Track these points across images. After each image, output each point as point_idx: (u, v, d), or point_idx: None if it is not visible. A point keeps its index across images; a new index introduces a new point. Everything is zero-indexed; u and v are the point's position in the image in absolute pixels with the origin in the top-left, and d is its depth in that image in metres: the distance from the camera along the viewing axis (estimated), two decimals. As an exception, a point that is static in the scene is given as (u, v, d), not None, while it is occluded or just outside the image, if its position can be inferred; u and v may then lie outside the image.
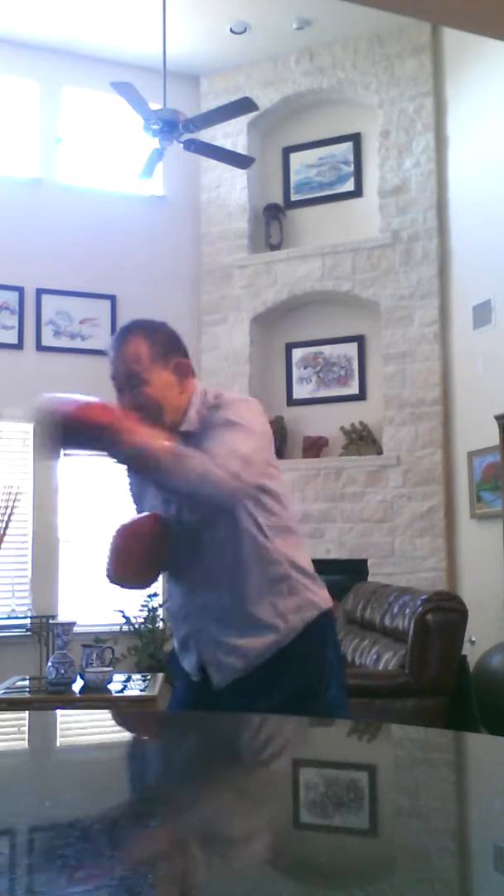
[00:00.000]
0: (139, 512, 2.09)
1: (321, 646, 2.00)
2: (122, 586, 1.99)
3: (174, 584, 2.05)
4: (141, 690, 4.00)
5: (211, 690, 1.96)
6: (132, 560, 1.94)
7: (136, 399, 1.89)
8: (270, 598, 1.93)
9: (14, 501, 6.17)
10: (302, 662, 1.95)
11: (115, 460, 1.76)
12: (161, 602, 6.34)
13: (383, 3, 4.19)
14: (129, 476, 2.10)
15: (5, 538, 6.12)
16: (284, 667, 1.93)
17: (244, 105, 5.33)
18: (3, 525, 6.08)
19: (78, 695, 3.86)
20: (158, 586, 6.30)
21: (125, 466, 1.84)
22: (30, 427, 5.90)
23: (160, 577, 2.09)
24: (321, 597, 2.02)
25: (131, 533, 1.94)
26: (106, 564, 1.93)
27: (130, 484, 2.14)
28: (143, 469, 1.81)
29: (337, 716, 1.93)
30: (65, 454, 1.73)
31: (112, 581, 1.93)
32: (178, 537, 1.95)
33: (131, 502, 2.16)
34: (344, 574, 6.03)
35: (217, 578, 1.94)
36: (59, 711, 2.95)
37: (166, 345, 1.94)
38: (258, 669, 1.93)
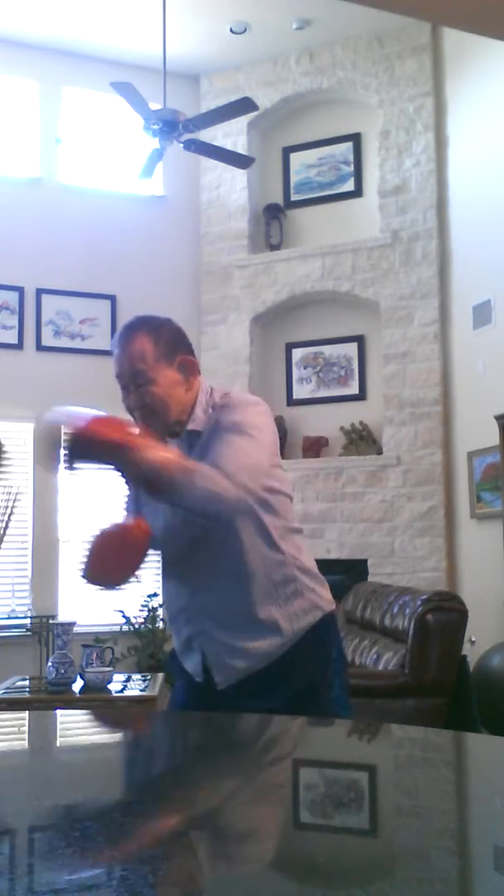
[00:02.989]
0: (136, 514, 2.07)
1: (324, 646, 1.99)
2: (95, 585, 1.98)
3: (175, 584, 2.04)
4: (141, 690, 4.00)
5: (213, 690, 1.95)
6: (111, 565, 1.93)
7: (142, 397, 1.88)
8: (276, 600, 1.91)
9: (14, 501, 6.17)
10: (305, 663, 1.94)
11: (126, 477, 1.75)
12: (161, 602, 6.34)
13: (383, 3, 4.19)
14: (128, 483, 2.09)
15: (5, 538, 6.12)
16: (288, 667, 1.92)
17: (244, 105, 5.33)
18: (3, 525, 6.08)
19: (78, 695, 3.86)
20: (158, 586, 6.34)
21: (135, 483, 1.82)
22: (30, 429, 5.92)
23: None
24: (326, 599, 2.01)
25: (116, 540, 1.91)
26: (83, 564, 1.91)
27: (128, 489, 2.13)
28: (153, 486, 1.79)
29: (340, 716, 1.93)
30: (74, 469, 1.71)
31: (86, 579, 1.92)
32: (180, 538, 1.95)
33: (128, 504, 2.13)
34: (344, 574, 6.03)
35: (222, 581, 1.92)
36: (59, 711, 2.95)
37: (171, 342, 1.92)
38: (261, 670, 1.92)
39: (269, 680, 1.92)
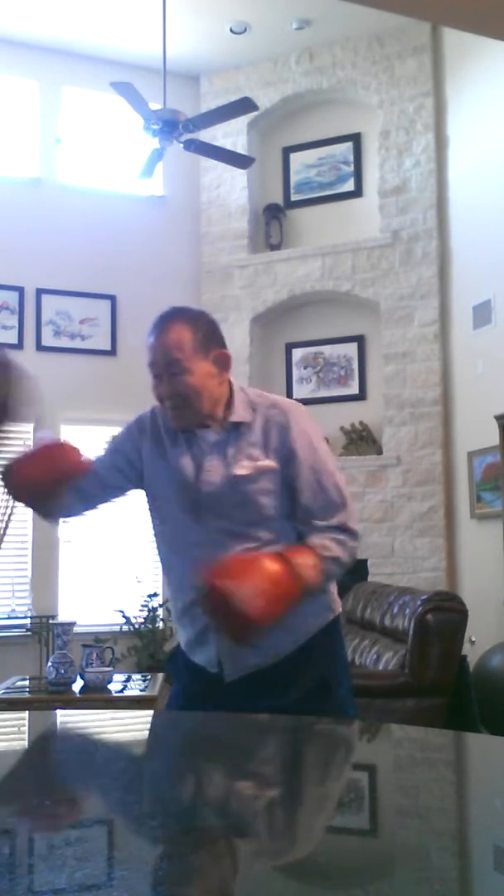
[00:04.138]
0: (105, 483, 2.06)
1: (334, 645, 2.00)
2: (12, 492, 1.98)
3: (191, 575, 1.98)
4: (141, 690, 4.00)
5: (223, 689, 1.92)
6: (34, 471, 1.94)
7: (175, 387, 1.86)
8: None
9: (14, 502, 6.16)
10: (317, 661, 1.94)
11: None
12: (161, 602, 6.34)
13: (383, 3, 4.19)
14: (150, 503, 2.04)
15: (5, 538, 6.12)
16: (300, 666, 1.91)
17: (244, 105, 5.33)
18: (3, 525, 6.08)
19: (78, 695, 3.86)
20: (158, 586, 6.35)
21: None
22: (30, 429, 5.89)
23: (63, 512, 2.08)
24: (336, 601, 2.02)
25: (50, 453, 1.96)
26: (14, 462, 1.93)
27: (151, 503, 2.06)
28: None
29: (348, 714, 1.93)
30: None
31: (3, 477, 1.92)
32: (207, 530, 1.91)
33: (155, 522, 2.06)
34: (344, 574, 6.02)
35: None
36: (59, 711, 2.95)
37: (208, 334, 1.91)
38: (273, 668, 1.90)
39: (280, 678, 1.90)
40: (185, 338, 1.86)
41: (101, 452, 2.06)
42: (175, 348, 1.86)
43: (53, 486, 1.96)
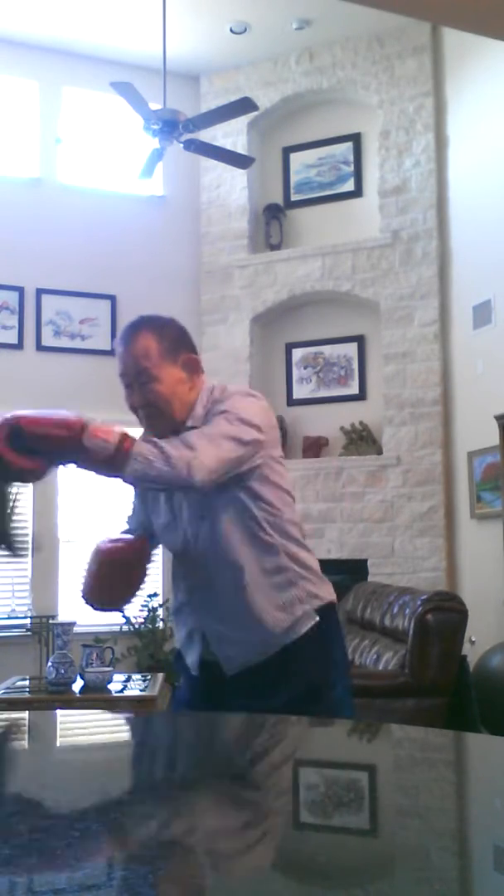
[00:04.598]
0: (144, 524, 2.06)
1: (326, 648, 1.99)
2: (97, 609, 1.98)
3: (180, 578, 2.03)
4: (141, 690, 4.00)
5: (216, 690, 1.95)
6: (114, 586, 1.94)
7: (146, 396, 1.88)
8: (269, 590, 1.91)
9: (14, 502, 6.16)
10: (307, 663, 1.94)
11: (84, 468, 1.69)
12: (161, 602, 6.34)
13: (383, 3, 4.19)
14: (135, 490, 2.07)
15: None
16: (290, 667, 1.92)
17: (244, 105, 5.33)
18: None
19: (78, 695, 3.86)
20: (158, 586, 6.35)
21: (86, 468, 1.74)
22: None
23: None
24: (325, 590, 2.00)
25: (116, 560, 1.93)
26: (84, 586, 1.92)
27: (135, 498, 2.11)
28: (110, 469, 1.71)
29: (342, 716, 1.93)
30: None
31: (88, 603, 1.92)
32: (179, 533, 1.95)
33: (134, 514, 2.11)
34: (344, 574, 6.03)
35: (216, 573, 1.93)
36: (59, 711, 2.95)
37: (175, 340, 1.93)
38: (264, 669, 1.91)
39: (270, 680, 1.91)
40: (152, 346, 1.88)
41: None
42: (142, 357, 1.88)
43: (139, 581, 2.00)
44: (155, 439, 1.75)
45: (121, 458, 1.66)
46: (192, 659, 2.01)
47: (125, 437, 1.68)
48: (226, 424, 1.81)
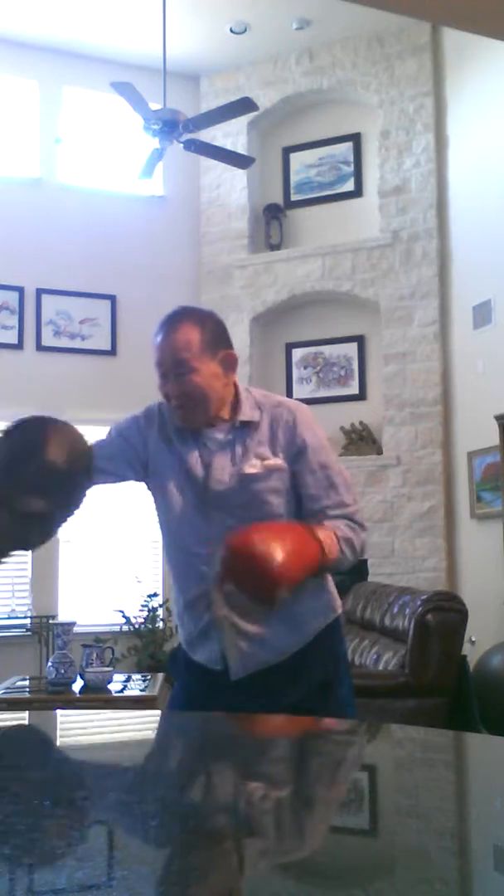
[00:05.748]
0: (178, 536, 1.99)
1: (335, 644, 2.00)
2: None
3: (196, 569, 1.93)
4: (141, 690, 4.00)
5: (224, 688, 1.91)
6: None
7: (181, 387, 1.86)
8: (299, 595, 1.82)
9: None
10: (320, 659, 1.94)
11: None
12: (161, 602, 6.34)
13: (383, 3, 4.19)
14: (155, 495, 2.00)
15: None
16: (303, 664, 1.92)
17: (244, 105, 5.33)
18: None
19: (78, 695, 3.86)
20: (158, 586, 6.35)
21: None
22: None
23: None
24: (338, 601, 2.03)
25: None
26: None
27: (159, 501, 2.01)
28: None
29: (346, 714, 1.93)
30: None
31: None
32: (214, 527, 1.88)
33: (167, 523, 2.02)
34: (344, 574, 6.02)
35: None
36: (59, 711, 2.95)
37: (216, 334, 1.91)
38: (276, 666, 1.90)
39: (283, 677, 1.90)
40: (193, 338, 1.86)
41: (102, 438, 2.01)
42: (183, 348, 1.85)
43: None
44: (334, 526, 1.84)
45: (329, 563, 1.81)
46: (208, 654, 1.93)
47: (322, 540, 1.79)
48: (347, 494, 1.92)
